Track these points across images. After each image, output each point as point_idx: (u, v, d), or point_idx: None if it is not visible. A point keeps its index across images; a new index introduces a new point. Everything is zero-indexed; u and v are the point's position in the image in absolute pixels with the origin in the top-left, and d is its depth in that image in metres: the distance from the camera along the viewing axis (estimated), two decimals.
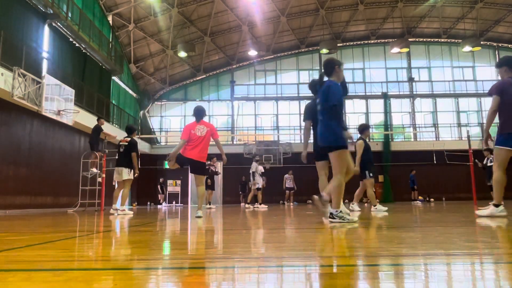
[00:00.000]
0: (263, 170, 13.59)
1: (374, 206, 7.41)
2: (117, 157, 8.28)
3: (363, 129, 7.86)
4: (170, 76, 24.71)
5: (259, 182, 13.18)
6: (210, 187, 13.90)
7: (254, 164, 13.22)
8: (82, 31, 15.48)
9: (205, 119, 6.58)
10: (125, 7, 19.46)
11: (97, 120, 11.54)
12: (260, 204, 13.07)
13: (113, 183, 8.66)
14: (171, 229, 3.89)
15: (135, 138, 8.49)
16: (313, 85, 5.46)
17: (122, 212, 7.89)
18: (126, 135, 8.45)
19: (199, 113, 6.28)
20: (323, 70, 4.41)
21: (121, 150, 8.17)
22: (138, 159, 8.44)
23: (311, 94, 5.57)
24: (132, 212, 8.77)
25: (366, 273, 1.50)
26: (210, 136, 6.19)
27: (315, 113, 5.13)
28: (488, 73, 25.63)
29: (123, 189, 8.20)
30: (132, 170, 8.22)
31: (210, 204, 13.31)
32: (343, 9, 23.27)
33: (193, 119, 6.45)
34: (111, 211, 8.16)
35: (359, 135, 7.86)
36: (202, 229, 3.89)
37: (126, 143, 8.18)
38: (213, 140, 6.27)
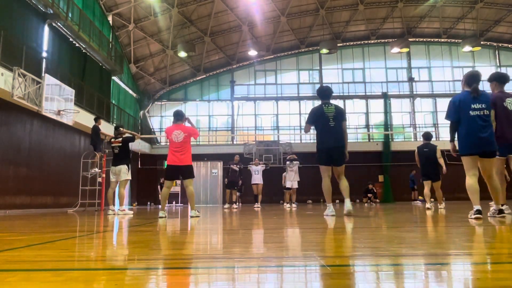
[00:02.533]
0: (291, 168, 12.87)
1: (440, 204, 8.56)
2: (112, 158, 8.21)
3: (430, 136, 8.98)
4: (170, 76, 24.70)
5: (289, 180, 12.72)
6: (234, 186, 13.31)
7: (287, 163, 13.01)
8: (82, 31, 15.48)
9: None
10: (125, 7, 19.46)
11: (95, 120, 11.53)
12: (293, 203, 12.80)
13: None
14: (171, 229, 3.89)
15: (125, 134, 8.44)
16: (327, 92, 5.88)
17: (122, 212, 7.85)
18: (121, 136, 8.33)
19: (175, 117, 6.47)
20: (476, 81, 4.59)
21: (116, 151, 8.10)
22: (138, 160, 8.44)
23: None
24: (132, 212, 8.76)
25: (366, 273, 1.49)
26: (189, 139, 6.32)
27: (320, 117, 5.64)
28: (488, 73, 25.37)
29: (120, 188, 8.07)
30: (130, 170, 8.20)
31: (235, 204, 13.23)
32: (343, 9, 23.27)
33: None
34: (109, 212, 8.07)
35: (425, 142, 8.95)
36: (202, 229, 3.88)
37: (120, 144, 8.11)
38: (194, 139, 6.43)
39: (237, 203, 13.48)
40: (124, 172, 8.04)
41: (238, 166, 13.09)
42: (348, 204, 5.46)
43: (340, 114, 5.65)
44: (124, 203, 8.16)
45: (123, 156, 8.11)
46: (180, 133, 6.24)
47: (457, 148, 4.63)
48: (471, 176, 4.44)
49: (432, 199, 8.58)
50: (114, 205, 8.48)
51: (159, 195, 21.12)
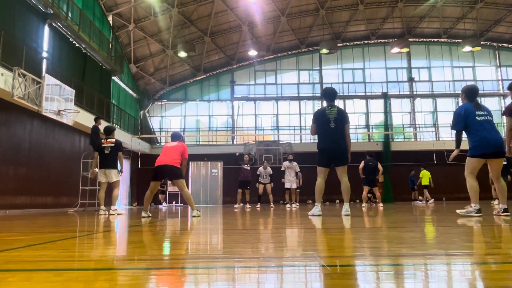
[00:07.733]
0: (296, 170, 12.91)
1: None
2: (101, 159, 8.18)
3: (372, 153, 11.85)
4: (170, 76, 24.70)
5: (287, 180, 12.77)
6: (247, 185, 13.19)
7: (285, 163, 13.03)
8: (82, 31, 15.48)
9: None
10: (125, 7, 19.45)
11: (95, 120, 11.51)
12: (292, 203, 12.77)
13: (97, 185, 8.57)
14: (171, 229, 3.89)
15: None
16: (331, 93, 5.93)
17: (114, 211, 7.80)
18: (118, 135, 8.38)
19: (172, 137, 6.84)
20: (476, 95, 5.16)
21: (107, 152, 8.09)
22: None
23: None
24: (124, 212, 8.70)
25: (366, 273, 1.50)
26: (180, 152, 6.41)
27: (322, 118, 5.78)
28: (488, 73, 25.63)
29: (113, 190, 8.11)
30: (119, 171, 8.25)
31: (248, 204, 13.15)
32: (343, 9, 23.27)
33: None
34: (100, 212, 7.98)
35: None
36: (202, 229, 3.89)
37: (113, 144, 8.12)
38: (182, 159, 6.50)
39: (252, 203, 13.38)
40: (114, 174, 8.13)
41: (248, 165, 13.11)
42: (346, 207, 5.69)
43: (342, 117, 5.74)
44: (115, 203, 8.11)
45: (114, 157, 8.13)
46: (176, 143, 6.52)
47: (457, 154, 5.15)
48: (474, 177, 4.91)
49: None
50: (104, 205, 8.39)
51: (160, 195, 21.29)
